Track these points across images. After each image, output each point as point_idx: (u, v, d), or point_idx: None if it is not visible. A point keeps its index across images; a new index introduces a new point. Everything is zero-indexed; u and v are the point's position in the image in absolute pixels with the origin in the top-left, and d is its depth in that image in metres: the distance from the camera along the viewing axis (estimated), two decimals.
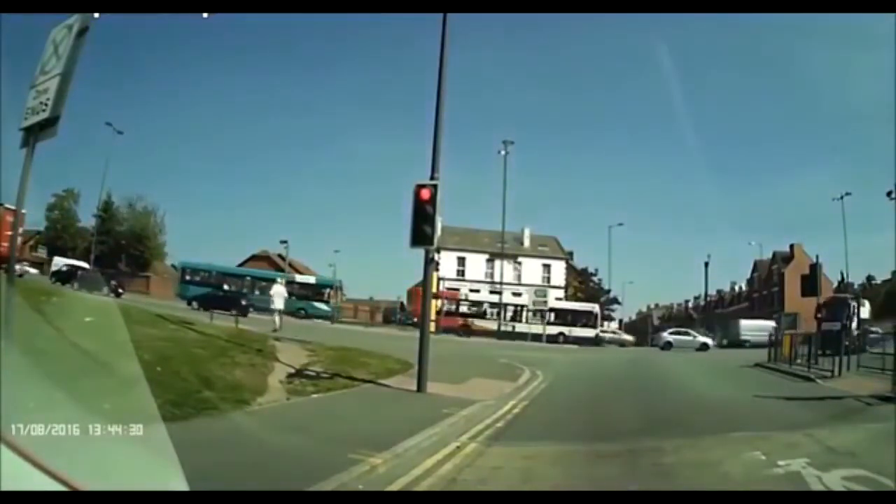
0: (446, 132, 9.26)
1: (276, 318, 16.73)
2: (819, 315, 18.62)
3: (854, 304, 23.67)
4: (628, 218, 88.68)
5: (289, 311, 30.03)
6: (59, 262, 32.30)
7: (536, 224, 49.72)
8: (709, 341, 34.22)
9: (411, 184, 8.62)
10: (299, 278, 38.05)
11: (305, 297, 35.53)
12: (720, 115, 72.47)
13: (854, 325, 21.08)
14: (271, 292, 17.73)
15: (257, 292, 31.39)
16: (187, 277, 35.29)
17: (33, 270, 32.69)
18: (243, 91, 78.17)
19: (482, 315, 36.38)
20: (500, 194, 39.51)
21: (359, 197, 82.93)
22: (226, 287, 32.59)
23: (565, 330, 35.15)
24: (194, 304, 26.95)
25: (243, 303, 26.61)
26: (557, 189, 78.46)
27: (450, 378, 9.70)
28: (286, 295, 18.35)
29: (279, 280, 19.90)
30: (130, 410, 3.85)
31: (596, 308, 38.50)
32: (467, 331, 33.94)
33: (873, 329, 21.19)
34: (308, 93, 74.34)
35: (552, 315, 35.87)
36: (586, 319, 36.36)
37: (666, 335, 35.21)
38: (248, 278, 35.64)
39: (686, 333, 35.45)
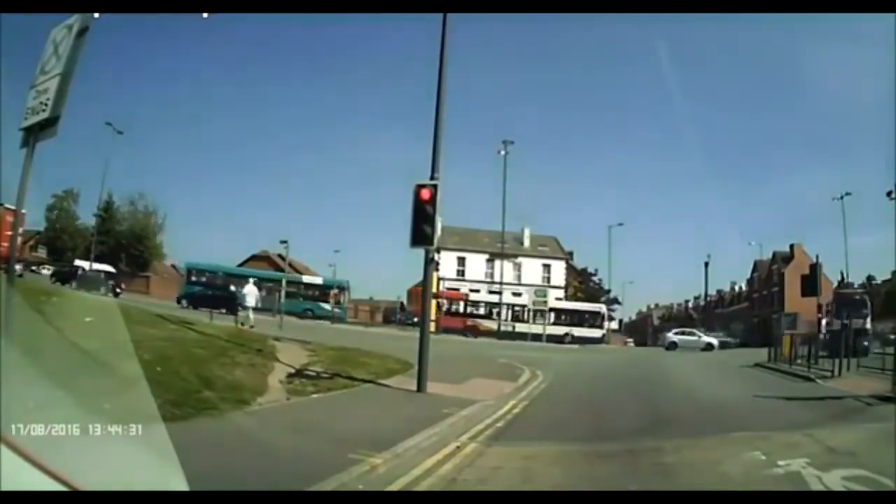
0: (446, 132, 9.27)
1: (242, 314, 17.66)
2: (820, 314, 18.52)
3: (869, 301, 23.16)
4: (628, 218, 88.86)
5: (296, 313, 30.28)
6: (81, 266, 32.34)
7: (536, 224, 49.71)
8: (714, 341, 34.04)
9: (412, 184, 8.63)
10: (306, 279, 37.58)
11: (312, 298, 35.22)
12: (720, 115, 72.16)
13: (868, 324, 20.75)
14: (244, 291, 18.39)
15: (263, 293, 31.32)
16: (192, 279, 34.01)
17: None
18: (243, 91, 77.82)
19: (489, 315, 36.40)
20: (501, 194, 39.66)
21: (359, 197, 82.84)
22: (232, 288, 32.41)
23: (571, 330, 35.26)
24: (184, 301, 27.10)
25: (235, 301, 26.77)
26: (557, 189, 78.39)
27: (450, 378, 9.70)
28: (258, 293, 18.91)
29: (251, 280, 20.24)
30: (130, 410, 3.86)
31: (603, 308, 38.99)
32: (474, 332, 33.91)
33: None
34: (308, 93, 74.07)
35: (558, 315, 36.00)
36: (593, 320, 36.57)
37: (671, 335, 34.97)
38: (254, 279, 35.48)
39: (691, 334, 35.24)
